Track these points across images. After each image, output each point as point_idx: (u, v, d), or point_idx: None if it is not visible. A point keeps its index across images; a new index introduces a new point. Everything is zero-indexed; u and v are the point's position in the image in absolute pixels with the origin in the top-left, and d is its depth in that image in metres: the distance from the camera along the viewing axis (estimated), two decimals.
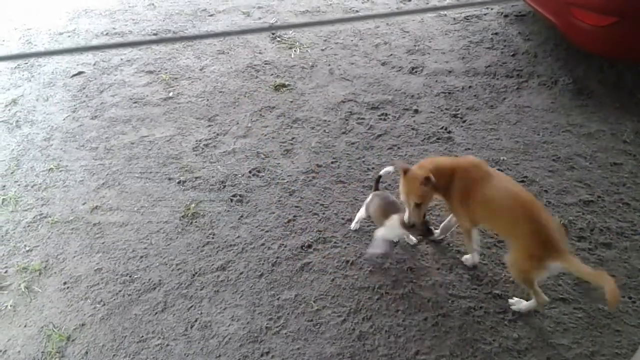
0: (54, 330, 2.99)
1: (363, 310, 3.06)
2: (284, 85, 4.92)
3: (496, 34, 5.53)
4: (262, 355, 2.86)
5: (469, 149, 4.13)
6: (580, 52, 4.82)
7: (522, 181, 3.77)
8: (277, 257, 3.37)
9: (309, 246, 3.44)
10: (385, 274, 3.23)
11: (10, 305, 3.15)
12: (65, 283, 3.27)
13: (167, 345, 2.92)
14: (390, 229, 3.13)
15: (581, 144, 4.13)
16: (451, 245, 3.38)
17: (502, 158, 4.01)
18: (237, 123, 4.52)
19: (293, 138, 4.34)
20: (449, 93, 4.75)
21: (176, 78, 5.15)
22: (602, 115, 4.37)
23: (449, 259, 3.30)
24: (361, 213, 3.41)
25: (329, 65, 5.20)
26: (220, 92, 4.92)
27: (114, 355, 2.85)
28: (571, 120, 4.36)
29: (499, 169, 3.90)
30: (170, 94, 4.91)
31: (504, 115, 4.46)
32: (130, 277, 3.29)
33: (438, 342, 2.86)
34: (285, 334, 2.96)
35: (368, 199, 3.35)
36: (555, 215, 3.50)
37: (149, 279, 3.27)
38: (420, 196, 2.87)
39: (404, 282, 3.19)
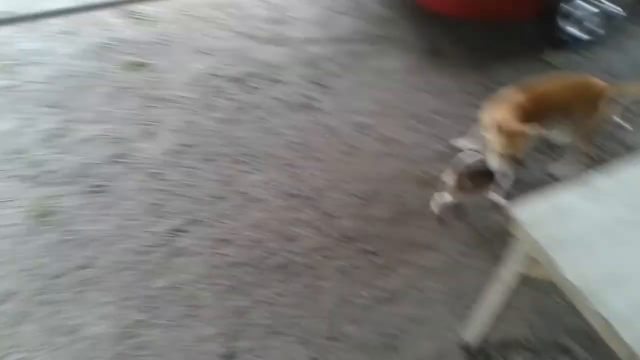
0: None
1: (241, 286, 3.00)
2: (140, 64, 4.62)
3: (356, 2, 5.59)
4: (138, 349, 2.71)
5: (332, 114, 4.17)
6: (433, 15, 5.02)
7: (387, 141, 3.89)
8: (146, 246, 3.20)
9: (180, 230, 3.29)
10: (259, 247, 3.19)
11: None
12: None
13: (32, 358, 2.67)
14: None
15: (436, 100, 4.34)
16: (323, 208, 3.41)
17: (366, 121, 4.10)
18: (91, 108, 4.18)
19: (154, 119, 4.11)
20: (313, 62, 4.74)
21: (17, 64, 4.63)
22: (453, 71, 4.62)
23: (320, 222, 3.33)
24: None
25: (189, 39, 4.95)
26: (70, 75, 4.49)
27: None
28: (426, 79, 4.56)
29: (362, 132, 4.01)
30: (11, 82, 4.42)
31: (365, 79, 4.55)
32: None
33: (316, 305, 2.90)
34: (161, 323, 2.83)
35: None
36: (417, 169, 3.67)
37: (4, 290, 2.95)
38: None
39: (280, 253, 3.17)
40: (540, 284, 2.89)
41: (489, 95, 4.02)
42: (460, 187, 3.12)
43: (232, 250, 3.18)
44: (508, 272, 2.18)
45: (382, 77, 4.60)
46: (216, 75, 4.54)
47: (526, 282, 2.79)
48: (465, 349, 2.64)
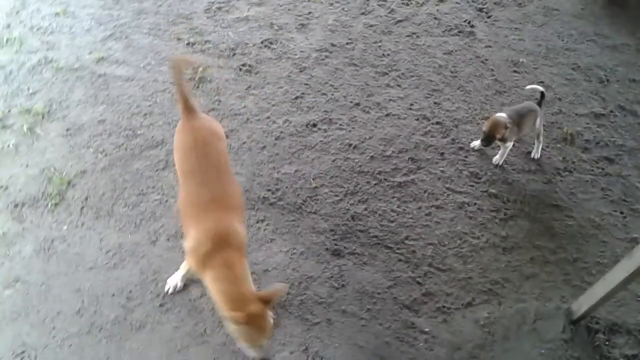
0: (55, 174, 3.03)
1: (359, 193, 3.10)
2: None
3: None
4: (257, 222, 2.94)
5: (489, 46, 3.98)
6: None
7: (539, 83, 3.66)
8: (281, 132, 3.36)
9: (314, 125, 3.41)
10: (386, 162, 3.24)
11: (13, 145, 3.16)
12: (68, 129, 3.26)
13: (166, 201, 2.98)
14: None
15: (604, 55, 3.98)
16: (456, 140, 3.37)
17: (521, 60, 3.88)
18: None
19: (310, 12, 4.15)
20: None
21: None
22: (630, 28, 4.18)
23: (452, 155, 3.30)
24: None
25: None
26: None
27: (113, 204, 2.92)
28: (598, 29, 4.17)
29: (516, 71, 3.80)
30: None
31: (531, 15, 4.25)
32: (133, 132, 3.29)
33: (428, 231, 2.94)
34: (282, 205, 3.02)
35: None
36: (563, 124, 3.47)
37: (152, 137, 3.27)
38: None
39: (404, 170, 3.21)
40: None
41: None
42: None
43: (359, 157, 3.27)
44: None
45: (549, 15, 4.27)
46: None
47: None
48: (569, 316, 2.59)
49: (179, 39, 3.85)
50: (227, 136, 3.25)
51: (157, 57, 3.73)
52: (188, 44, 3.83)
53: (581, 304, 2.52)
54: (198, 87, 3.55)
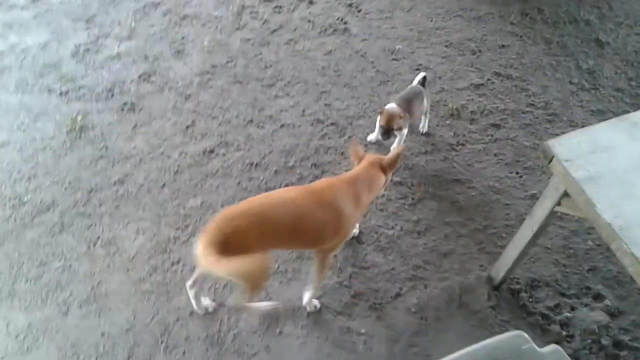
0: None
1: None
2: None
3: None
4: (172, 265, 2.83)
5: (365, 39, 4.08)
6: None
7: (417, 69, 3.81)
8: (179, 166, 3.26)
9: (211, 151, 3.34)
10: (290, 173, 3.24)
11: None
12: None
13: (70, 265, 2.80)
14: None
15: (471, 28, 4.21)
16: (353, 137, 3.42)
17: (397, 47, 4.01)
18: (119, 23, 4.12)
19: (183, 37, 4.06)
20: None
21: None
22: None
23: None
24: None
25: None
26: None
27: (13, 282, 2.70)
28: (462, 4, 4.40)
29: (394, 59, 3.92)
30: None
31: (397, 2, 4.41)
32: (19, 200, 3.05)
33: None
34: (194, 241, 2.93)
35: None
36: (447, 101, 3.62)
37: (41, 201, 3.06)
38: None
39: (309, 178, 3.22)
40: (573, 224, 2.97)
41: (528, 22, 3.91)
42: None
43: (262, 174, 3.24)
44: (542, 208, 2.19)
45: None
46: None
47: (559, 222, 2.84)
48: (490, 283, 2.72)
49: (50, 91, 3.62)
50: (121, 182, 3.14)
51: (30, 114, 3.49)
52: (61, 93, 3.61)
53: (499, 269, 2.65)
54: (80, 137, 3.36)
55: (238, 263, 1.87)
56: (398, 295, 2.71)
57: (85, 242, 2.91)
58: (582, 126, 3.42)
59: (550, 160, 1.93)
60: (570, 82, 3.79)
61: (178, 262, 2.83)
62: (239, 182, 3.19)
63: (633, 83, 3.76)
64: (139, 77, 3.74)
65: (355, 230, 2.91)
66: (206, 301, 2.61)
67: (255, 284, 1.99)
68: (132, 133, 3.42)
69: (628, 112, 2.18)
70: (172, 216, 3.03)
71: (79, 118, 3.46)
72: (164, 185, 3.16)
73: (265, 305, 2.56)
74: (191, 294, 2.51)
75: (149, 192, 3.13)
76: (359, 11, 4.31)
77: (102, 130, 3.43)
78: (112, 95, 3.62)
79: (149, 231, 2.96)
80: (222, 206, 3.05)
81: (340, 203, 2.25)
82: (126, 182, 3.16)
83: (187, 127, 3.47)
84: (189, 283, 2.49)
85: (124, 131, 3.43)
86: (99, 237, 2.93)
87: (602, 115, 3.54)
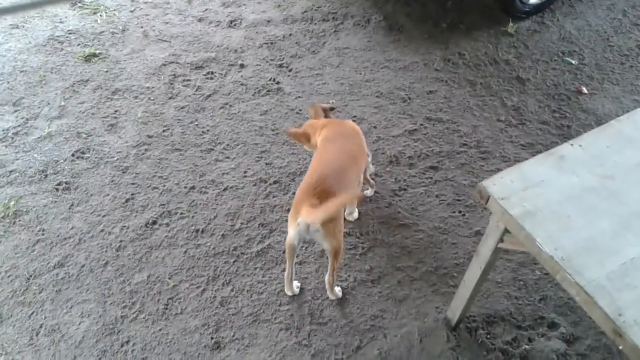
0: None
1: (221, 276, 3.01)
2: (95, 55, 4.48)
3: None
4: (122, 346, 2.71)
5: (299, 97, 4.17)
6: None
7: (353, 120, 3.90)
8: (121, 241, 3.16)
9: (154, 222, 3.27)
10: (238, 236, 3.19)
11: None
12: None
13: (13, 359, 2.63)
14: None
15: (399, 77, 4.38)
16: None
17: (331, 101, 4.11)
18: (49, 103, 4.04)
19: (116, 111, 4.02)
20: (272, 43, 4.70)
21: None
22: (413, 47, 4.64)
23: None
24: None
25: (142, 27, 4.83)
26: (22, 71, 4.33)
27: None
28: (387, 56, 4.59)
29: (333, 114, 4.00)
30: None
31: (326, 59, 4.55)
32: None
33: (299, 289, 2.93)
34: (144, 318, 2.82)
35: None
36: (385, 149, 3.72)
37: None
38: None
39: (257, 238, 3.19)
40: (519, 257, 3.05)
41: (452, 67, 4.12)
42: None
43: (209, 239, 3.18)
44: (486, 247, 2.24)
45: (342, 55, 4.60)
46: (175, 63, 4.45)
47: (505, 256, 2.91)
48: (448, 324, 2.73)
49: None
50: (61, 265, 3.01)
51: None
52: None
53: (454, 310, 2.67)
54: (14, 223, 3.22)
55: (338, 199, 2.46)
56: (359, 348, 2.68)
57: (27, 333, 2.75)
58: (515, 160, 3.62)
59: (487, 200, 2.00)
60: (498, 120, 3.97)
61: (128, 342, 2.71)
62: (185, 251, 3.12)
63: (557, 115, 3.98)
64: (72, 155, 3.65)
65: (355, 214, 3.29)
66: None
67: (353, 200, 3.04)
68: (69, 213, 3.31)
69: (556, 142, 2.31)
70: (118, 294, 2.91)
71: (12, 203, 3.33)
72: (106, 263, 3.05)
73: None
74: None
75: (91, 272, 3.00)
76: (290, 70, 4.42)
77: (37, 213, 3.30)
78: (46, 176, 3.51)
79: (94, 313, 2.83)
80: (169, 278, 2.96)
81: (348, 123, 3.14)
82: (66, 264, 3.03)
83: (127, 200, 3.39)
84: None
85: (60, 212, 3.31)
86: (41, 325, 2.78)
87: (532, 148, 3.72)
